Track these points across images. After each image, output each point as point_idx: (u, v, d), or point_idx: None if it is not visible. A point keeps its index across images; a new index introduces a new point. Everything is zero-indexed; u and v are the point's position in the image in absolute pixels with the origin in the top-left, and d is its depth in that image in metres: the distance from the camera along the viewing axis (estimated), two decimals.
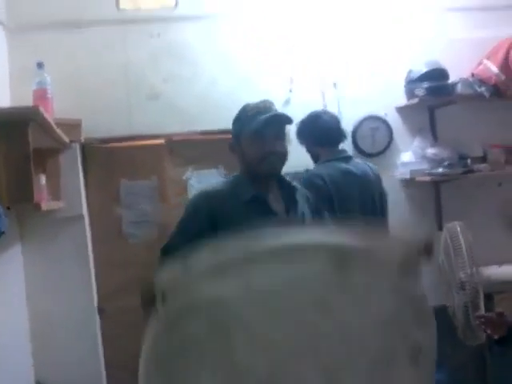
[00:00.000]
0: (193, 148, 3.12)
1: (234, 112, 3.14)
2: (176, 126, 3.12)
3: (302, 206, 1.96)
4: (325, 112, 2.88)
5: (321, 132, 2.72)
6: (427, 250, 1.46)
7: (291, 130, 2.72)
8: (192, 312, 1.20)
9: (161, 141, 3.10)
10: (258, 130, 1.83)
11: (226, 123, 3.12)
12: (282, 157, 1.89)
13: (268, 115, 1.84)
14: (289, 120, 1.91)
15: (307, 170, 2.98)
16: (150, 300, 1.25)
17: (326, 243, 1.27)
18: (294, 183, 2.04)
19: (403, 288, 1.34)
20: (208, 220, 1.81)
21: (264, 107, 1.89)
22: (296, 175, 3.15)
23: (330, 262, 1.24)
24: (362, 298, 1.29)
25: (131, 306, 2.91)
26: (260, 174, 1.88)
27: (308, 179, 2.55)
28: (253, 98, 3.11)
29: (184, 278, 1.21)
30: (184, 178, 3.12)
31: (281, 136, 1.89)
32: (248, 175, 1.90)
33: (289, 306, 1.22)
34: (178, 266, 1.21)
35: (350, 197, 2.55)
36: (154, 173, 3.07)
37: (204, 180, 3.10)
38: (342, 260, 1.25)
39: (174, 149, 3.10)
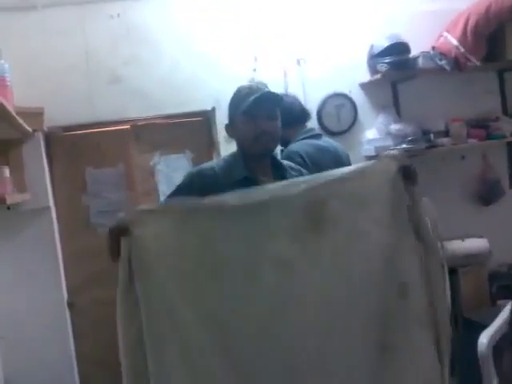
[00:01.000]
0: (159, 133, 3.08)
1: (198, 94, 3.14)
2: (140, 110, 3.06)
3: None
4: (286, 94, 2.87)
5: (288, 112, 2.72)
6: (411, 174, 1.56)
7: None
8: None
9: (126, 126, 3.05)
10: (248, 110, 1.83)
11: (191, 106, 3.15)
12: (274, 137, 1.90)
13: (256, 95, 1.83)
14: (278, 98, 1.90)
15: (282, 150, 2.99)
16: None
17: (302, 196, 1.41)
18: (285, 162, 2.05)
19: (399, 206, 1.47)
20: (200, 193, 1.77)
21: (256, 88, 1.88)
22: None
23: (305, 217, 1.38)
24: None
25: (101, 299, 2.91)
26: (253, 154, 1.89)
27: (287, 157, 2.56)
28: (216, 78, 3.14)
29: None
30: (151, 163, 3.09)
31: (273, 116, 1.88)
32: (243, 155, 1.92)
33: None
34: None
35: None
36: (120, 160, 3.02)
37: (172, 165, 3.08)
38: (314, 213, 1.39)
39: (139, 134, 3.05)
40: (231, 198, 1.44)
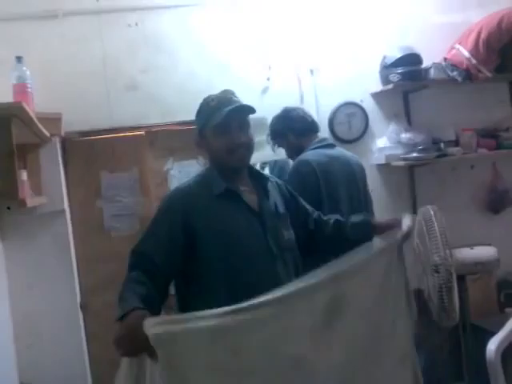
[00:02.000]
0: (173, 139, 3.12)
1: None
2: (155, 117, 3.13)
3: (275, 195, 1.97)
4: (296, 107, 2.92)
5: (301, 121, 2.79)
6: (407, 234, 1.65)
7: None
8: None
9: (141, 132, 3.10)
10: (222, 123, 1.79)
11: None
12: (249, 148, 1.87)
13: (231, 107, 1.79)
14: (252, 110, 1.85)
15: (276, 161, 3.04)
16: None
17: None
18: (264, 172, 2.06)
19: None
20: (182, 219, 1.77)
21: (225, 98, 1.85)
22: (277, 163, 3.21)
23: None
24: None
25: (114, 301, 2.92)
26: (229, 166, 1.85)
27: (295, 166, 2.63)
28: (231, 87, 3.17)
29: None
30: (165, 169, 3.14)
31: (245, 127, 1.85)
32: (218, 168, 1.87)
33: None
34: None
35: (338, 183, 2.60)
36: (134, 164, 3.07)
37: (185, 170, 3.12)
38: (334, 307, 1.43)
39: (154, 140, 3.10)
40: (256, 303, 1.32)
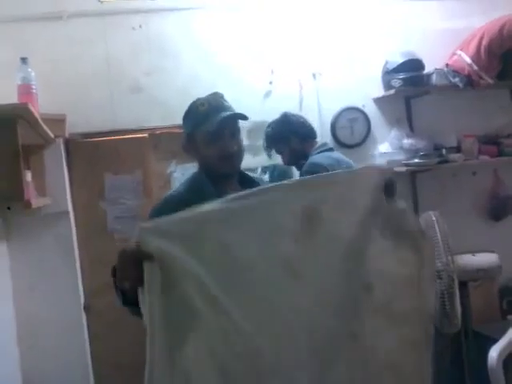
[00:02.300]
0: (176, 142, 3.10)
1: None
2: (159, 119, 3.13)
3: None
4: (294, 114, 2.92)
5: (304, 126, 2.80)
6: (392, 187, 1.53)
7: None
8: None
9: (144, 134, 3.11)
10: (215, 130, 1.74)
11: None
12: (241, 154, 1.83)
13: (225, 115, 1.75)
14: (245, 118, 1.81)
15: (275, 166, 3.04)
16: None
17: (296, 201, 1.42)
18: (256, 177, 2.01)
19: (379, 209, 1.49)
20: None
21: (216, 102, 1.79)
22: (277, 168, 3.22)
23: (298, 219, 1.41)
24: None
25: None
26: (220, 173, 1.80)
27: (310, 170, 2.59)
28: (234, 90, 3.20)
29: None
30: (168, 171, 3.15)
31: (237, 133, 1.81)
32: (207, 173, 1.81)
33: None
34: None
35: None
36: (137, 167, 3.08)
37: (187, 173, 3.10)
38: (310, 216, 1.41)
39: (157, 143, 3.11)
40: (228, 202, 1.40)
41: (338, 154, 2.78)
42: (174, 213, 1.54)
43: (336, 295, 1.45)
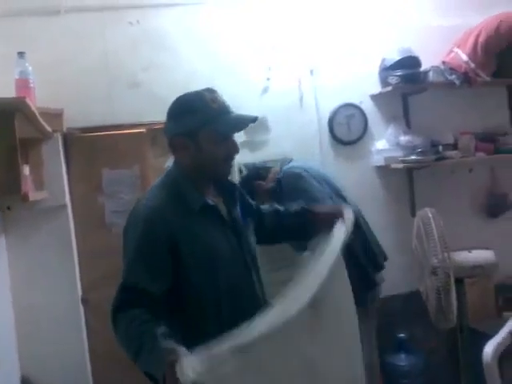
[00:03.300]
0: None
1: None
2: (157, 114, 3.07)
3: (240, 203, 1.91)
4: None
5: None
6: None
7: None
8: None
9: (142, 129, 3.11)
10: (226, 130, 1.72)
11: None
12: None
13: (241, 118, 1.76)
14: (255, 121, 1.78)
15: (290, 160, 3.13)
16: None
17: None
18: (233, 180, 2.01)
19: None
20: (167, 243, 1.62)
21: (223, 100, 1.74)
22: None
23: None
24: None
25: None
26: (217, 175, 1.79)
27: (294, 174, 2.85)
28: (232, 86, 3.21)
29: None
30: (165, 166, 3.15)
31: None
32: (190, 177, 1.75)
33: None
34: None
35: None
36: (135, 162, 3.08)
37: None
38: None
39: (155, 138, 3.11)
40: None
41: (300, 162, 3.00)
42: (164, 226, 1.61)
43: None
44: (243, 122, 1.78)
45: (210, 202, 1.75)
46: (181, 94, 3.12)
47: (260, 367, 1.33)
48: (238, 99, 3.21)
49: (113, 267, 2.90)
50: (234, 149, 1.77)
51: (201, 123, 1.70)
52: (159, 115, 3.12)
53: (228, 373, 1.22)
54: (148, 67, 3.15)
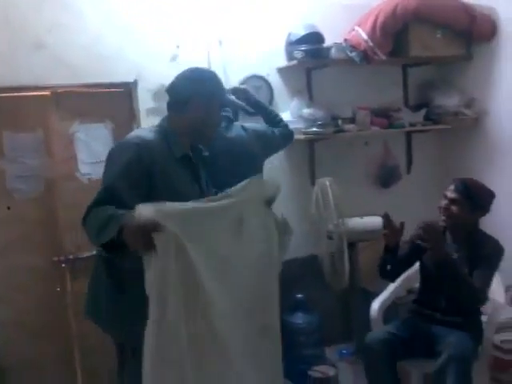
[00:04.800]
0: (79, 101, 3.07)
1: (120, 66, 3.17)
2: (62, 78, 3.03)
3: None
4: None
5: None
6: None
7: None
8: None
9: (46, 92, 3.03)
10: (226, 102, 2.26)
11: (113, 77, 3.18)
12: None
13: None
14: None
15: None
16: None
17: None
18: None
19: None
20: (148, 172, 1.90)
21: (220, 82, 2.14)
22: None
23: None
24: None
25: (19, 265, 2.91)
26: (204, 140, 2.15)
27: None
28: (140, 53, 3.20)
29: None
30: (70, 131, 3.10)
31: None
32: (178, 133, 2.04)
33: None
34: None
35: None
36: (39, 125, 3.00)
37: (91, 134, 3.10)
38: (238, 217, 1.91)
39: (59, 101, 3.04)
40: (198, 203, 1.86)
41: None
42: (150, 158, 1.92)
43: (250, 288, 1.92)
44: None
45: (190, 156, 2.08)
46: (87, 57, 3.10)
47: (195, 231, 1.74)
48: (146, 66, 3.23)
49: (17, 235, 2.89)
50: (221, 118, 2.28)
51: (209, 92, 2.06)
52: (65, 78, 3.10)
53: (175, 215, 1.68)
54: (53, 29, 3.03)
